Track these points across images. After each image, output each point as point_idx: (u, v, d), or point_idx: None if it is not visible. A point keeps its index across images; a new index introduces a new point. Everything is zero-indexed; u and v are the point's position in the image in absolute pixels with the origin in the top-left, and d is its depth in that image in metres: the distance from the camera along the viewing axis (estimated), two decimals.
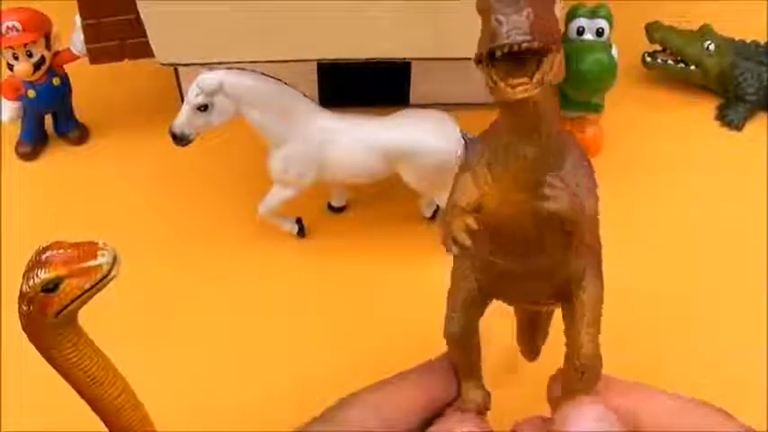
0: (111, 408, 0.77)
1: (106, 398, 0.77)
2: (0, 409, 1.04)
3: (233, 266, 1.23)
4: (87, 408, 0.78)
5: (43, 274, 0.69)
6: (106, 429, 0.80)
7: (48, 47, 1.33)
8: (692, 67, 1.46)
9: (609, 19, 1.31)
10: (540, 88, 0.57)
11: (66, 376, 0.76)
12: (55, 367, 0.75)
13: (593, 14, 1.31)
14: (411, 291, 1.14)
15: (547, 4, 0.56)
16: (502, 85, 0.58)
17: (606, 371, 0.82)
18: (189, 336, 1.14)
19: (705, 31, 1.46)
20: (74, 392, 0.77)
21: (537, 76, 0.57)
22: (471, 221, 0.64)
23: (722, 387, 0.87)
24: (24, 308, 0.71)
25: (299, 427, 0.71)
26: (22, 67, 1.32)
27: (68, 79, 1.38)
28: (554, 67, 0.57)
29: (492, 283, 0.72)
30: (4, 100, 1.39)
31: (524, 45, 0.54)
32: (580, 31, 1.31)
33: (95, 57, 1.33)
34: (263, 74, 1.12)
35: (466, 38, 1.18)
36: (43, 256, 0.70)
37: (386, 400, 0.71)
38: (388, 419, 0.70)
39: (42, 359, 0.76)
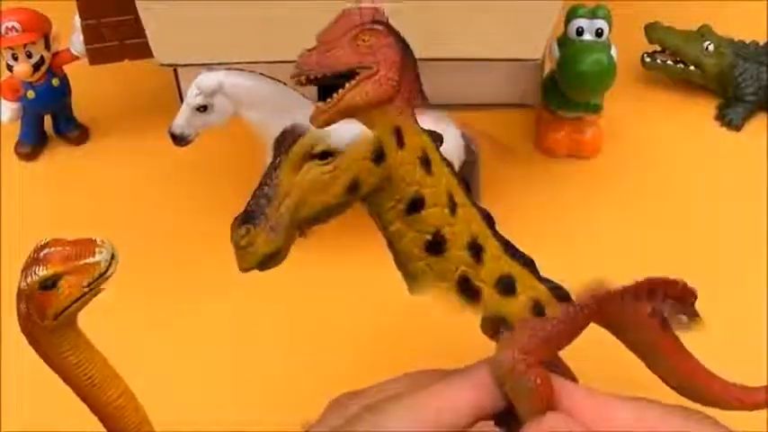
0: (111, 410, 0.77)
1: (105, 400, 0.77)
2: (0, 409, 1.04)
3: (233, 266, 1.22)
4: (87, 408, 0.78)
5: (41, 272, 0.69)
6: (105, 431, 0.80)
7: (47, 47, 1.33)
8: (692, 68, 1.46)
9: (608, 19, 1.31)
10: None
11: (66, 378, 0.76)
12: (54, 369, 0.75)
13: (592, 15, 1.31)
14: None
15: (339, 42, 0.63)
16: None
17: (601, 372, 0.83)
18: (188, 336, 1.14)
19: (704, 32, 1.46)
20: (74, 393, 0.77)
21: (327, 102, 0.63)
22: None
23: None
24: (22, 307, 0.71)
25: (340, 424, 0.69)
26: (22, 68, 1.32)
27: (68, 80, 1.38)
28: (357, 92, 0.63)
29: None
30: (3, 101, 1.39)
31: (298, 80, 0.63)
32: (579, 32, 1.31)
33: (95, 57, 1.33)
34: (263, 74, 1.12)
35: (466, 38, 1.18)
36: (41, 254, 0.70)
37: (431, 397, 0.69)
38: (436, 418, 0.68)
39: (43, 361, 0.76)
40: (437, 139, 0.69)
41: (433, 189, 0.67)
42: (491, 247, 0.70)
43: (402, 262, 0.69)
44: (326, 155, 0.63)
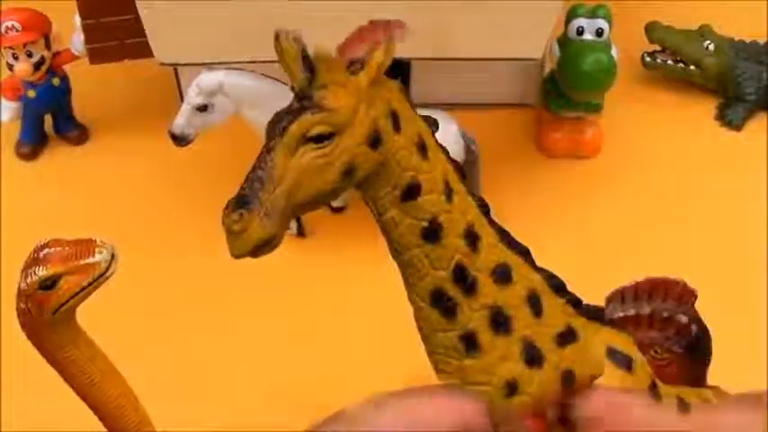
0: (110, 409, 0.77)
1: (105, 398, 0.77)
2: (0, 409, 1.04)
3: (233, 266, 1.22)
4: (87, 408, 0.78)
5: (41, 272, 0.69)
6: (105, 430, 0.80)
7: (47, 47, 1.33)
8: (692, 67, 1.46)
9: (608, 19, 1.31)
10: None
11: (66, 377, 0.76)
12: (54, 366, 0.75)
13: (592, 14, 1.31)
14: None
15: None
16: None
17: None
18: (189, 335, 1.14)
19: (704, 31, 1.46)
20: (74, 393, 0.77)
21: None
22: None
23: (722, 387, 0.87)
24: (22, 305, 0.71)
25: (321, 425, 0.69)
26: (22, 68, 1.32)
27: (68, 79, 1.38)
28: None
29: None
30: (3, 100, 1.39)
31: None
32: (580, 31, 1.31)
33: (95, 57, 1.33)
34: (263, 74, 1.12)
35: (466, 38, 1.18)
36: (41, 254, 0.70)
37: (417, 404, 0.69)
38: (418, 423, 0.68)
39: (43, 360, 0.76)
40: (432, 124, 0.69)
41: (429, 175, 0.66)
42: (487, 236, 0.70)
43: (398, 250, 0.69)
44: (322, 138, 0.61)
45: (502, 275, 0.70)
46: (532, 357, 0.71)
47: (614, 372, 0.74)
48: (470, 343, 0.69)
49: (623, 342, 0.76)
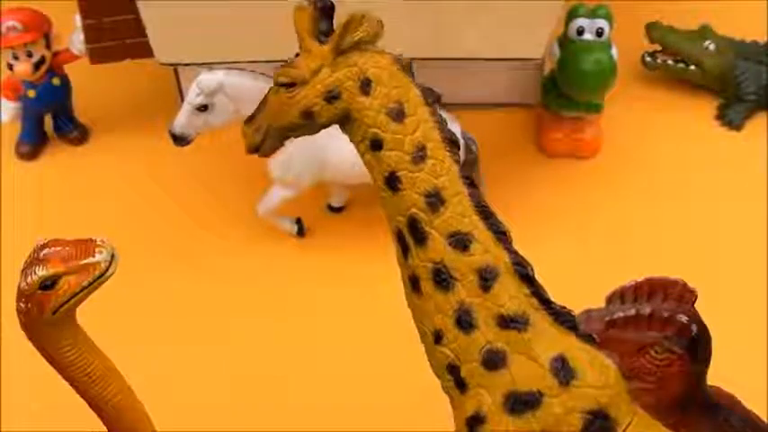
0: (110, 407, 0.77)
1: (105, 397, 0.77)
2: (0, 409, 1.04)
3: (233, 266, 1.23)
4: (87, 408, 0.78)
5: (41, 272, 0.69)
6: (106, 429, 0.80)
7: (48, 47, 1.33)
8: (692, 67, 1.46)
9: (609, 19, 1.31)
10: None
11: (65, 375, 0.76)
12: (53, 366, 0.75)
13: (593, 14, 1.31)
14: None
15: None
16: None
17: None
18: (189, 335, 1.14)
19: (705, 31, 1.46)
20: (74, 392, 0.77)
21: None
22: None
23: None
24: (22, 305, 0.71)
25: None
26: (22, 67, 1.32)
27: (68, 79, 1.38)
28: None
29: None
30: (3, 100, 1.39)
31: None
32: (580, 32, 1.31)
33: (95, 57, 1.33)
34: (263, 74, 1.12)
35: (466, 38, 1.18)
36: (41, 254, 0.70)
37: None
38: None
39: (43, 360, 0.76)
40: (430, 96, 0.78)
41: (396, 136, 0.76)
42: (458, 205, 0.75)
43: (376, 189, 0.78)
44: (288, 85, 0.77)
45: (458, 242, 0.75)
46: (462, 321, 0.76)
47: (548, 379, 0.75)
48: (415, 285, 0.77)
49: (586, 357, 0.76)
